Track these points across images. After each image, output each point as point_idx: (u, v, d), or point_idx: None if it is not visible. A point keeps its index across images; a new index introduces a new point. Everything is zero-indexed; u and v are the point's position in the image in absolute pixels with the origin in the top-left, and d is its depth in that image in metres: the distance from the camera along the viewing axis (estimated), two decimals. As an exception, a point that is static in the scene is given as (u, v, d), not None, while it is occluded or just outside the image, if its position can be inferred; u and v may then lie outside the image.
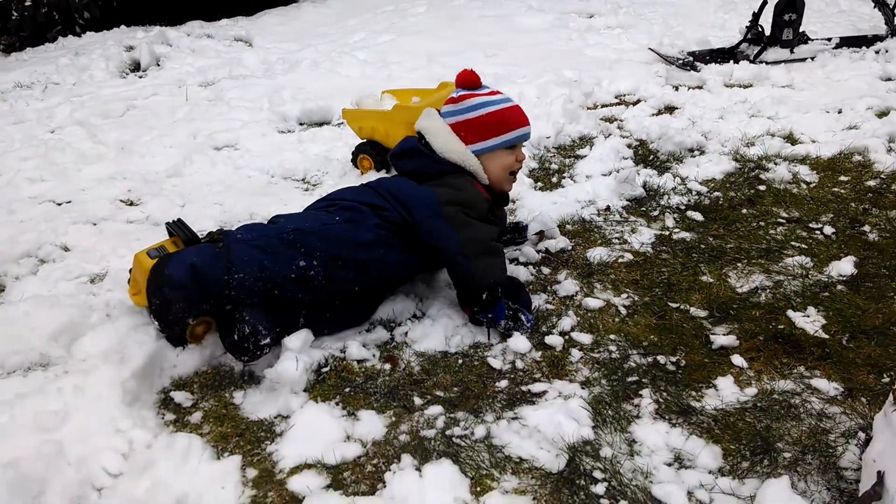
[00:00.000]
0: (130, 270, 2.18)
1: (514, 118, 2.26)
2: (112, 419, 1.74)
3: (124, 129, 4.09)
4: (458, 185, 2.17)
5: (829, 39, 4.82)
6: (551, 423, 1.73)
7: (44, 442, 1.65)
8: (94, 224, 2.90)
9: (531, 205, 2.81)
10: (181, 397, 1.90)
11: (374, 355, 2.03)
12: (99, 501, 1.58)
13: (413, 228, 2.10)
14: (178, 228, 2.16)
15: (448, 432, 1.74)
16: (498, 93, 2.30)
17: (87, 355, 1.98)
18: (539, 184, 3.07)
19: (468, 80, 2.30)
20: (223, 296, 1.93)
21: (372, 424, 1.78)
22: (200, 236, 2.19)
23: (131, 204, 3.15)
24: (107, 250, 2.62)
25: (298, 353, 1.91)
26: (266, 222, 2.23)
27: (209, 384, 1.96)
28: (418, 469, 1.62)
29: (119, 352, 1.96)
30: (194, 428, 1.81)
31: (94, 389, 1.82)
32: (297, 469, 1.66)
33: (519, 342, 2.03)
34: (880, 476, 1.16)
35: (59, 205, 3.12)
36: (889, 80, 4.16)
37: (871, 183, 2.88)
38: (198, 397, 1.92)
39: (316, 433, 1.75)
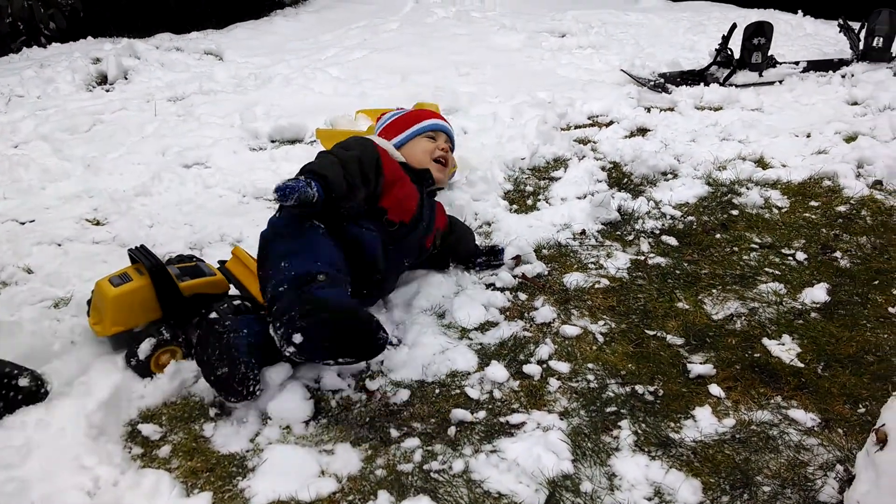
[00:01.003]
0: (90, 300, 2.12)
1: (424, 115, 2.69)
2: (76, 455, 1.67)
3: (91, 145, 3.99)
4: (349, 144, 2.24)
5: (797, 63, 4.91)
6: (530, 457, 1.70)
7: (7, 480, 1.58)
8: (59, 245, 2.82)
9: (507, 228, 2.80)
10: (149, 430, 1.84)
11: (349, 385, 1.99)
12: (62, 543, 1.51)
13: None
14: (141, 255, 2.09)
15: (426, 466, 1.70)
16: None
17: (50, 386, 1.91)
18: (514, 206, 3.06)
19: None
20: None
21: (347, 458, 1.73)
22: (165, 261, 2.14)
23: (97, 223, 3.07)
24: (71, 273, 2.54)
25: (281, 387, 1.86)
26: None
27: (178, 416, 1.90)
28: (395, 506, 1.59)
29: (84, 382, 1.89)
30: (163, 463, 1.75)
31: (58, 423, 1.75)
32: (270, 506, 1.61)
33: (496, 371, 2.01)
34: (865, 518, 1.15)
35: (23, 224, 3.02)
36: (855, 104, 4.24)
37: (842, 208, 2.92)
38: (166, 430, 1.86)
39: (289, 468, 1.70)
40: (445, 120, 2.75)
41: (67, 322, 2.21)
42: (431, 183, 2.46)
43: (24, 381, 1.83)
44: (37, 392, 1.84)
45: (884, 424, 1.24)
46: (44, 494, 1.58)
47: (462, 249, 2.52)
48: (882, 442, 1.19)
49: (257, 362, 1.86)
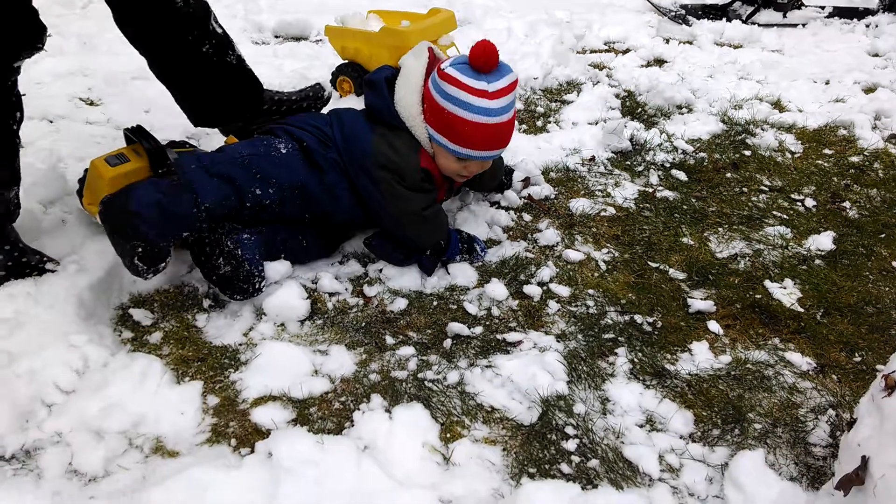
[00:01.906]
0: (82, 179, 2.04)
1: (476, 137, 1.90)
2: (66, 333, 1.64)
3: (87, 22, 3.82)
4: (398, 148, 1.95)
5: (823, 8, 4.76)
6: (525, 375, 1.69)
7: (-8, 351, 1.55)
8: (51, 122, 2.71)
9: (515, 147, 2.72)
10: (140, 315, 1.81)
11: (346, 289, 1.96)
12: (48, 419, 1.49)
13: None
14: (138, 135, 2.01)
15: (420, 375, 1.69)
16: (490, 95, 1.86)
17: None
18: (524, 126, 2.98)
19: (478, 58, 1.85)
20: (195, 229, 1.80)
21: (342, 360, 1.72)
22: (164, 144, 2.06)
23: (91, 104, 2.96)
24: (64, 152, 2.45)
25: (278, 284, 1.83)
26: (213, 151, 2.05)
27: (171, 304, 1.87)
28: (388, 411, 1.58)
29: (76, 261, 1.84)
30: (153, 349, 1.73)
31: (48, 299, 1.72)
32: (261, 400, 1.60)
33: (496, 288, 1.98)
34: (864, 461, 1.15)
35: (13, 96, 2.90)
36: (877, 55, 4.13)
37: (855, 159, 2.87)
38: (158, 317, 1.83)
39: (282, 365, 1.68)
40: (496, 147, 2.00)
41: (59, 200, 2.14)
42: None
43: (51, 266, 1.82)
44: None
45: (894, 371, 1.22)
46: (30, 369, 1.55)
47: (484, 184, 2.40)
48: (891, 388, 1.18)
49: (261, 260, 1.84)
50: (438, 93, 1.90)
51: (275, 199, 1.90)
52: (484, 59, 1.84)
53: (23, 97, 1.90)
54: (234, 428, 1.53)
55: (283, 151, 1.95)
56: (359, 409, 1.58)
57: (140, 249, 1.72)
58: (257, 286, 1.83)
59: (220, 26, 2.28)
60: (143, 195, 1.74)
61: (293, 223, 1.99)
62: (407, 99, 1.96)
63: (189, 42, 2.18)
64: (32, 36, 1.81)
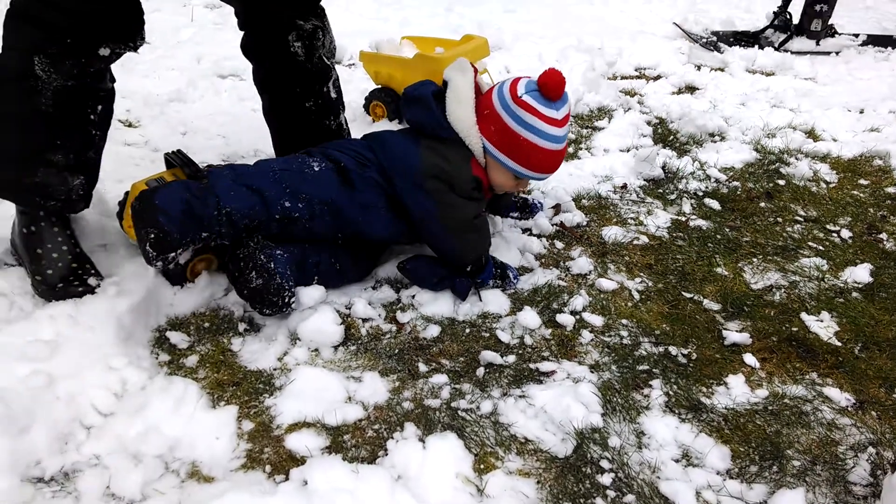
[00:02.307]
0: (123, 201, 2.08)
1: (544, 162, 2.02)
2: (105, 355, 1.66)
3: (126, 45, 3.90)
4: (450, 158, 1.99)
5: (857, 35, 4.73)
6: (559, 406, 1.68)
7: (33, 373, 1.57)
8: (91, 143, 2.76)
9: (547, 174, 2.72)
10: (177, 338, 1.83)
11: (379, 315, 1.97)
12: (87, 441, 1.51)
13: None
14: (178, 159, 2.05)
15: (453, 404, 1.68)
16: (559, 123, 1.98)
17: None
18: (555, 152, 2.98)
19: (549, 87, 1.94)
20: (215, 232, 1.84)
21: (375, 387, 1.72)
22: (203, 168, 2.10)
23: (130, 125, 3.02)
24: (103, 173, 2.49)
25: (312, 309, 1.84)
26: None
27: (207, 327, 1.89)
28: (422, 440, 1.57)
29: (116, 283, 1.87)
30: (189, 372, 1.74)
31: (88, 321, 1.74)
32: (295, 426, 1.61)
33: (528, 317, 1.97)
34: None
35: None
36: (912, 84, 4.09)
37: (891, 190, 2.84)
38: (194, 339, 1.85)
39: (316, 391, 1.69)
40: (554, 170, 2.11)
41: (99, 222, 2.17)
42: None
43: (92, 281, 1.86)
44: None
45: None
46: (70, 392, 1.57)
47: (502, 202, 2.44)
48: (938, 431, 1.16)
49: (292, 276, 1.86)
50: (513, 118, 1.97)
51: (304, 213, 1.92)
52: (555, 89, 1.95)
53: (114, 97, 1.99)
54: (269, 454, 1.54)
55: (317, 169, 1.98)
56: (392, 438, 1.58)
57: (152, 236, 1.76)
58: (287, 300, 1.84)
59: (337, 91, 2.39)
60: (171, 192, 1.80)
61: (326, 244, 2.00)
62: (459, 112, 2.01)
63: (295, 93, 2.30)
64: (124, 27, 1.88)
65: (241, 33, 2.27)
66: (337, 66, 3.88)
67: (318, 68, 2.26)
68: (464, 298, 2.02)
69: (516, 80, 2.00)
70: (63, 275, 1.84)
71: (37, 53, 1.76)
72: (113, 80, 2.01)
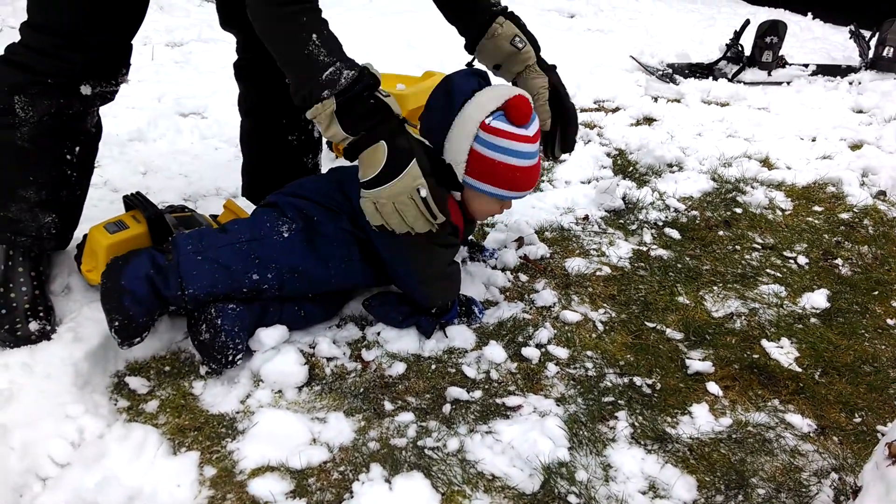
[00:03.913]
0: (81, 244, 2.05)
1: (522, 180, 1.95)
2: (61, 403, 1.62)
3: (85, 84, 3.87)
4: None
5: (806, 66, 4.88)
6: (526, 441, 1.67)
7: (-14, 424, 1.52)
8: (49, 184, 2.72)
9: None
10: (136, 383, 1.79)
11: (344, 353, 1.95)
12: (43, 493, 1.46)
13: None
14: (138, 202, 2.03)
15: (420, 443, 1.67)
16: (532, 139, 1.92)
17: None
18: (517, 185, 3.01)
19: (519, 114, 1.89)
20: (181, 307, 1.83)
21: (340, 428, 1.70)
22: (161, 208, 2.08)
23: (89, 166, 2.97)
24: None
25: (275, 349, 1.82)
26: (216, 227, 2.04)
27: (167, 371, 1.85)
28: (388, 481, 1.55)
29: (73, 329, 1.83)
30: (149, 418, 1.71)
31: (44, 368, 1.70)
32: (258, 471, 1.58)
33: (494, 351, 1.97)
34: (872, 532, 1.14)
35: (11, 160, 2.92)
36: (861, 112, 4.23)
37: (844, 216, 2.91)
38: (154, 384, 1.81)
39: (280, 433, 1.66)
40: (532, 185, 2.03)
41: (58, 267, 2.13)
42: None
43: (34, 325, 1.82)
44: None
45: (896, 439, 1.22)
46: (26, 441, 1.53)
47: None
48: (894, 457, 1.18)
49: (241, 332, 1.82)
50: (486, 146, 1.89)
51: (274, 283, 1.88)
52: (525, 113, 1.89)
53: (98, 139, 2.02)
54: (232, 500, 1.51)
55: (286, 235, 1.91)
56: (358, 480, 1.56)
57: (117, 323, 1.73)
58: (230, 358, 1.80)
59: (318, 131, 2.38)
60: (136, 269, 1.77)
61: (293, 298, 1.98)
62: (461, 144, 1.91)
63: (281, 124, 2.30)
64: (107, 67, 1.89)
65: (237, 56, 2.30)
66: (299, 103, 3.89)
67: None
68: (429, 336, 2.01)
69: None
70: (18, 317, 1.80)
71: (17, 93, 1.79)
72: (98, 126, 2.02)
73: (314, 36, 1.63)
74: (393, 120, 1.71)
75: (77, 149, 1.93)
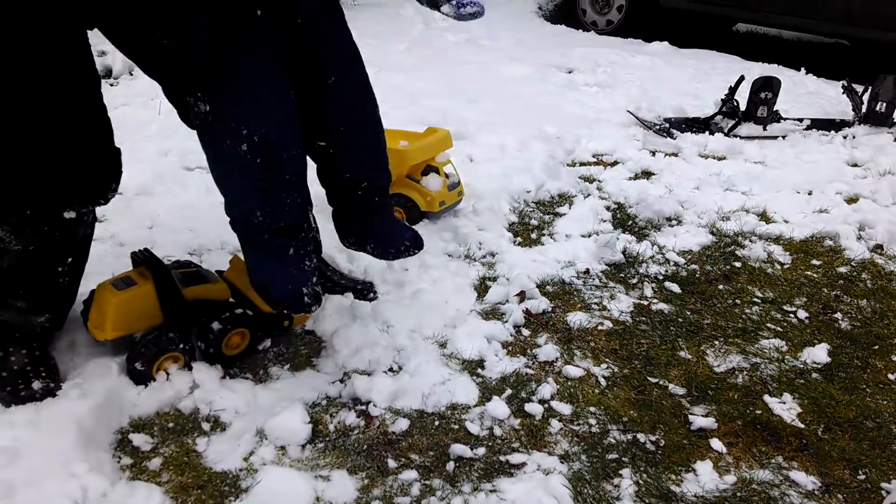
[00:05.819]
0: (88, 300, 2.06)
1: None
2: (66, 462, 1.62)
3: (93, 139, 3.94)
4: None
5: (801, 120, 4.96)
6: (530, 500, 1.67)
7: (-9, 483, 1.52)
8: (56, 239, 2.76)
9: (511, 260, 2.78)
10: (140, 440, 1.79)
11: (348, 409, 1.95)
12: (45, 555, 1.46)
13: None
14: (146, 260, 2.05)
15: (424, 502, 1.67)
16: None
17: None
18: (519, 238, 3.05)
19: None
20: None
21: (343, 487, 1.70)
22: (168, 264, 2.11)
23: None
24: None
25: (280, 405, 1.83)
26: None
27: (171, 427, 1.86)
28: (392, 541, 1.55)
29: (78, 385, 1.84)
30: (152, 475, 1.71)
31: (49, 426, 1.70)
32: (262, 530, 1.57)
33: (497, 407, 1.98)
34: None
35: (19, 214, 2.96)
36: (856, 165, 4.29)
37: (843, 269, 2.94)
38: (158, 441, 1.81)
39: (283, 492, 1.66)
40: None
41: (66, 322, 2.14)
42: None
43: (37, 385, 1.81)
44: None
45: (901, 499, 1.22)
46: (29, 501, 1.53)
47: None
48: (899, 518, 1.18)
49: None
50: None
51: None
52: None
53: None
54: (235, 561, 1.50)
55: None
56: (362, 539, 1.55)
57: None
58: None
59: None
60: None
61: None
62: None
63: None
64: (93, 187, 1.80)
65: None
66: (303, 158, 3.95)
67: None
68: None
69: None
70: (20, 378, 1.81)
71: None
72: (92, 226, 1.97)
73: None
74: None
75: (69, 259, 1.88)
